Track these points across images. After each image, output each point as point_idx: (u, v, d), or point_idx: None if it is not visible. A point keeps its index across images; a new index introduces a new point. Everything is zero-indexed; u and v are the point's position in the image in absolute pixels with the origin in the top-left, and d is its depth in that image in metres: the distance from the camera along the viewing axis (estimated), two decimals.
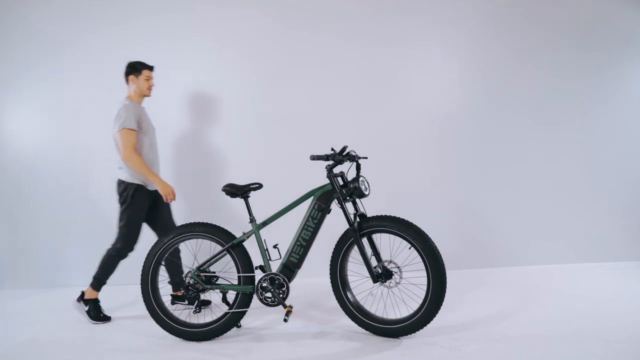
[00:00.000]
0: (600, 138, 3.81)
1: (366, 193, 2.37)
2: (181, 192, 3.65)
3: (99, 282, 2.81)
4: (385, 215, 2.35)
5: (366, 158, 2.64)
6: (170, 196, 2.76)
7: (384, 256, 2.43)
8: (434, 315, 2.28)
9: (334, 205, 2.43)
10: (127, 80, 2.91)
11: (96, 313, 2.78)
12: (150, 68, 2.91)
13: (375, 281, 2.36)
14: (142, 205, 2.83)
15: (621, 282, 3.26)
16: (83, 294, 2.81)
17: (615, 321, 2.50)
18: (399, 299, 2.54)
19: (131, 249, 2.80)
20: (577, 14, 3.76)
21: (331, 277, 2.48)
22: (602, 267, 3.67)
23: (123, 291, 3.42)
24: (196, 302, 2.48)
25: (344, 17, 3.66)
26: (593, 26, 3.78)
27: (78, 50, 3.58)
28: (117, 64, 3.60)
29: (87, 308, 2.77)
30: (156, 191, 2.85)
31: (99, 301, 2.82)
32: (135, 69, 2.88)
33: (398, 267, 2.37)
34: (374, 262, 2.38)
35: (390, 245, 2.43)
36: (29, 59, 3.56)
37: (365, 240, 2.40)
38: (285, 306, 2.34)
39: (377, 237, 2.43)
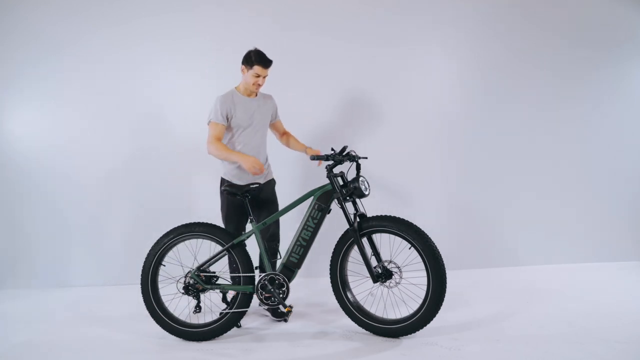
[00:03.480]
0: (600, 137, 3.81)
1: (366, 193, 2.37)
2: (181, 192, 3.66)
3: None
4: (385, 215, 2.35)
5: (366, 158, 2.64)
6: (256, 168, 2.49)
7: (384, 256, 2.43)
8: (434, 316, 2.28)
9: (334, 205, 2.43)
10: (241, 68, 2.66)
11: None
12: (264, 64, 2.59)
13: (375, 281, 2.36)
14: (230, 200, 2.65)
15: (621, 282, 3.26)
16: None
17: (615, 321, 2.50)
18: (399, 299, 2.54)
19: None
20: (577, 14, 3.76)
21: (331, 277, 2.48)
22: (602, 267, 3.67)
23: (123, 291, 3.43)
24: (197, 302, 2.48)
25: (344, 17, 3.66)
26: (593, 26, 3.78)
27: (78, 50, 3.58)
28: (117, 64, 3.63)
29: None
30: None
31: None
32: (248, 60, 2.60)
33: (398, 267, 2.38)
34: (374, 262, 2.39)
35: (390, 246, 2.43)
36: (29, 59, 3.56)
37: (365, 240, 2.40)
38: (285, 306, 2.34)
39: (377, 237, 2.43)
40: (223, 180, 2.76)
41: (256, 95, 2.77)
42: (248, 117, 2.69)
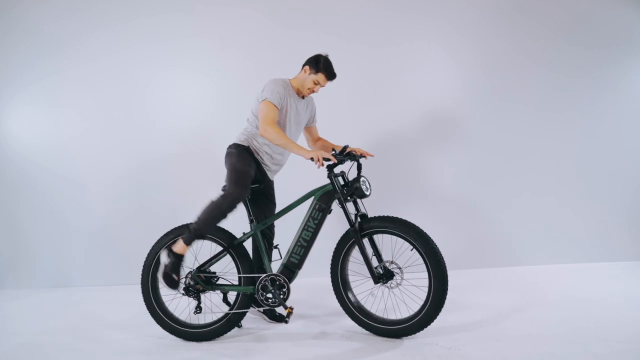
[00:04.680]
0: (601, 137, 3.80)
1: (367, 193, 2.36)
2: (181, 191, 3.66)
3: (195, 234, 2.36)
4: (387, 216, 2.34)
5: (369, 157, 2.62)
6: (318, 160, 2.28)
7: (386, 256, 2.43)
8: (435, 317, 2.29)
9: (335, 205, 2.42)
10: (303, 66, 2.54)
11: (172, 271, 2.33)
12: (329, 76, 2.50)
13: (376, 282, 2.35)
14: (248, 161, 2.46)
15: (621, 282, 3.26)
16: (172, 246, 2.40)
17: (615, 321, 2.50)
18: (400, 300, 2.54)
19: (241, 197, 2.35)
20: (578, 13, 3.76)
21: (332, 278, 2.47)
22: (602, 267, 3.67)
23: (123, 291, 3.43)
24: (198, 303, 2.47)
25: (345, 17, 3.66)
26: (593, 25, 3.78)
27: (77, 49, 3.58)
28: (117, 63, 3.63)
29: (168, 261, 2.34)
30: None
31: (182, 261, 2.39)
32: (315, 64, 2.47)
33: (399, 268, 2.37)
34: (374, 262, 2.38)
35: (392, 246, 2.43)
36: (28, 59, 3.56)
37: (366, 241, 2.40)
38: (286, 307, 2.33)
39: (378, 238, 2.43)
40: (231, 144, 2.56)
41: (304, 97, 2.63)
42: (292, 117, 2.55)
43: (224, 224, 2.54)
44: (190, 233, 2.36)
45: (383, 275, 2.35)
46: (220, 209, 2.33)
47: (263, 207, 2.68)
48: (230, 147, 2.57)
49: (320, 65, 2.46)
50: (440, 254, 2.27)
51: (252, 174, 2.45)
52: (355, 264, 2.48)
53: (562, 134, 3.79)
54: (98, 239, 3.65)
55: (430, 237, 2.29)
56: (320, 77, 2.48)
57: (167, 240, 2.49)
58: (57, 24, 3.56)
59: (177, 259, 2.35)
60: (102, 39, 3.58)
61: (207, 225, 2.36)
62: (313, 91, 2.55)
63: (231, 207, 2.34)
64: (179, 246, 2.36)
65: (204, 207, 2.37)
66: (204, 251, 2.64)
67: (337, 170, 2.44)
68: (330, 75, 2.50)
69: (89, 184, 3.63)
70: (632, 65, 3.79)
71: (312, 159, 2.29)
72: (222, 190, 2.49)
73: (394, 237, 2.36)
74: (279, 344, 2.39)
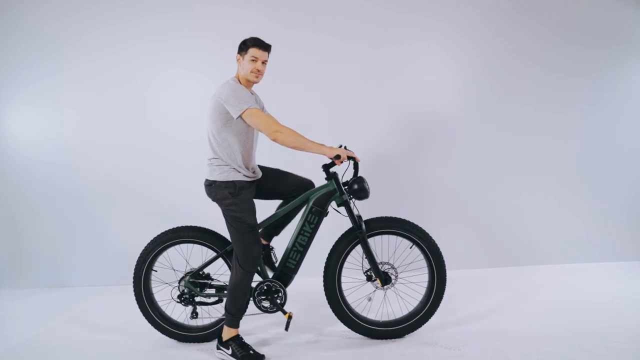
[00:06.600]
0: (600, 137, 3.80)
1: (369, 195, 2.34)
2: (181, 192, 3.66)
3: (235, 319, 2.29)
4: (390, 217, 2.34)
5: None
6: (343, 160, 2.19)
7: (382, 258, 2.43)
8: (432, 314, 2.32)
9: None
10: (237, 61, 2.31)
11: (244, 352, 2.24)
12: (260, 46, 2.25)
13: (384, 284, 2.32)
14: (250, 202, 2.27)
15: (621, 282, 3.26)
16: (221, 338, 2.31)
17: (615, 321, 2.50)
18: (398, 300, 2.54)
19: (259, 256, 2.26)
20: (578, 13, 3.76)
21: (328, 283, 2.37)
22: (602, 267, 3.67)
23: (123, 291, 3.42)
24: (193, 308, 2.44)
25: (345, 17, 3.66)
26: (593, 25, 3.77)
27: (77, 49, 3.58)
28: (117, 63, 3.63)
29: (230, 351, 2.26)
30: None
31: (241, 338, 2.31)
32: (242, 46, 2.26)
33: (394, 268, 2.37)
34: (365, 265, 2.36)
35: (381, 247, 2.44)
36: (28, 59, 3.56)
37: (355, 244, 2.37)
38: (285, 312, 2.28)
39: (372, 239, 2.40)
40: (211, 183, 2.31)
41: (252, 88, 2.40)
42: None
43: (217, 227, 2.52)
44: (229, 319, 2.27)
45: (390, 278, 2.35)
46: (243, 283, 2.22)
47: (278, 189, 2.44)
48: (219, 191, 2.27)
49: (247, 43, 2.26)
50: (441, 253, 2.30)
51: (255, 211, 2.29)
52: (347, 269, 2.42)
53: (562, 134, 3.78)
54: (98, 239, 3.65)
55: (431, 237, 2.32)
56: (252, 50, 2.24)
57: (154, 246, 2.41)
58: (57, 24, 3.55)
59: (236, 340, 2.27)
60: (102, 39, 3.58)
61: (241, 304, 2.26)
62: (258, 70, 2.27)
63: (254, 271, 2.25)
64: (227, 333, 2.28)
65: (228, 289, 2.26)
66: (196, 254, 2.63)
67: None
68: (259, 42, 2.27)
69: (89, 184, 3.63)
70: (632, 65, 3.79)
71: (336, 157, 2.17)
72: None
73: (384, 237, 2.36)
74: (275, 345, 2.39)
